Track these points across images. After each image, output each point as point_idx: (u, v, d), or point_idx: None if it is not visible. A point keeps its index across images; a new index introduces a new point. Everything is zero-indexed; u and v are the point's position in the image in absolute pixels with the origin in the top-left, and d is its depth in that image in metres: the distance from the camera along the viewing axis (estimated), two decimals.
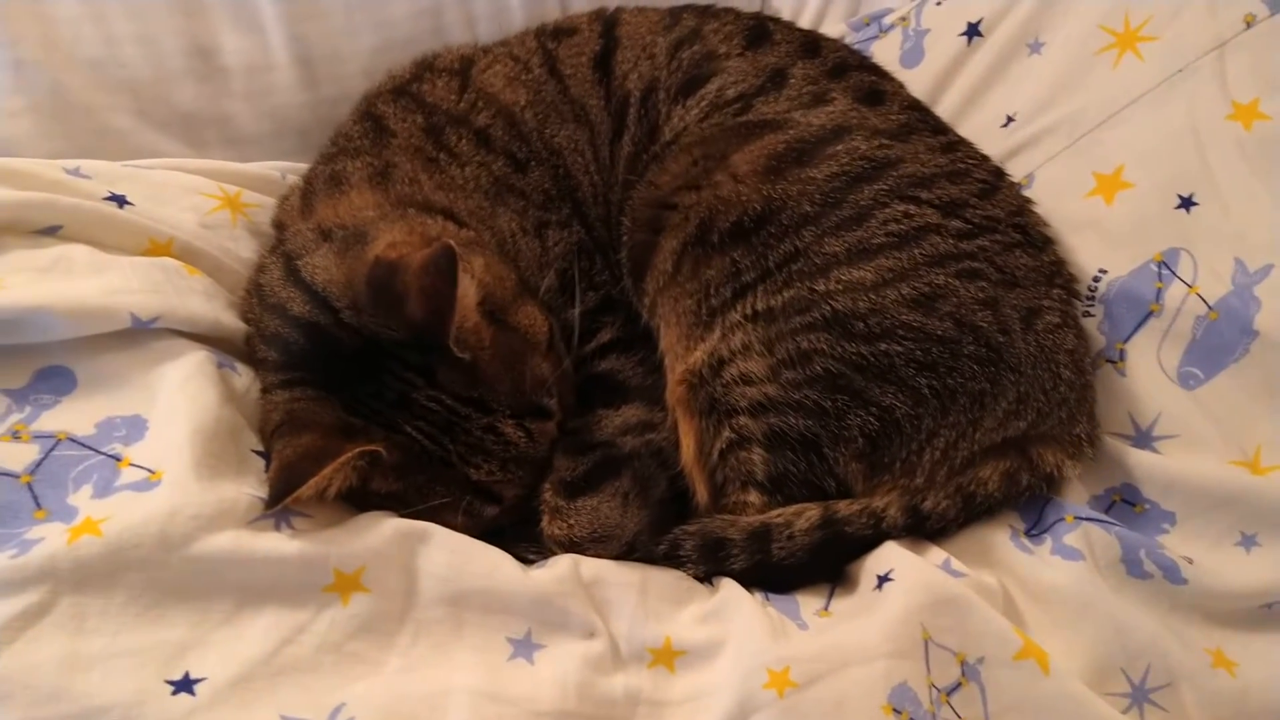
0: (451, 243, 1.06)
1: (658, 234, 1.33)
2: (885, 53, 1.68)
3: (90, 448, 1.03)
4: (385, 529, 1.05)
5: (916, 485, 1.21)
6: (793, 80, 1.40)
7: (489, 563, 1.08)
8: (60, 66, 1.49)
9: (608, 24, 1.51)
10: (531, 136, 1.42)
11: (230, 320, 1.22)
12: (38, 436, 1.02)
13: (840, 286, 1.20)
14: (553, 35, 1.52)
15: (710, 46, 1.44)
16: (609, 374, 1.27)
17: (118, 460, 1.03)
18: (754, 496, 1.22)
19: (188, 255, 1.26)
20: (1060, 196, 1.40)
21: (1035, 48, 1.54)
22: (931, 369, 1.19)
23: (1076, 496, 1.29)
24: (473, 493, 1.13)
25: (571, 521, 1.17)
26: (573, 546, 1.16)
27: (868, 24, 1.78)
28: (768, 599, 1.15)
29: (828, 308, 1.20)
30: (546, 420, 1.17)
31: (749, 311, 1.23)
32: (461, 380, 1.11)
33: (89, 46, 1.50)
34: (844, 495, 1.21)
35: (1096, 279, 1.35)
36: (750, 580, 1.17)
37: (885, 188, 1.26)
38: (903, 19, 1.71)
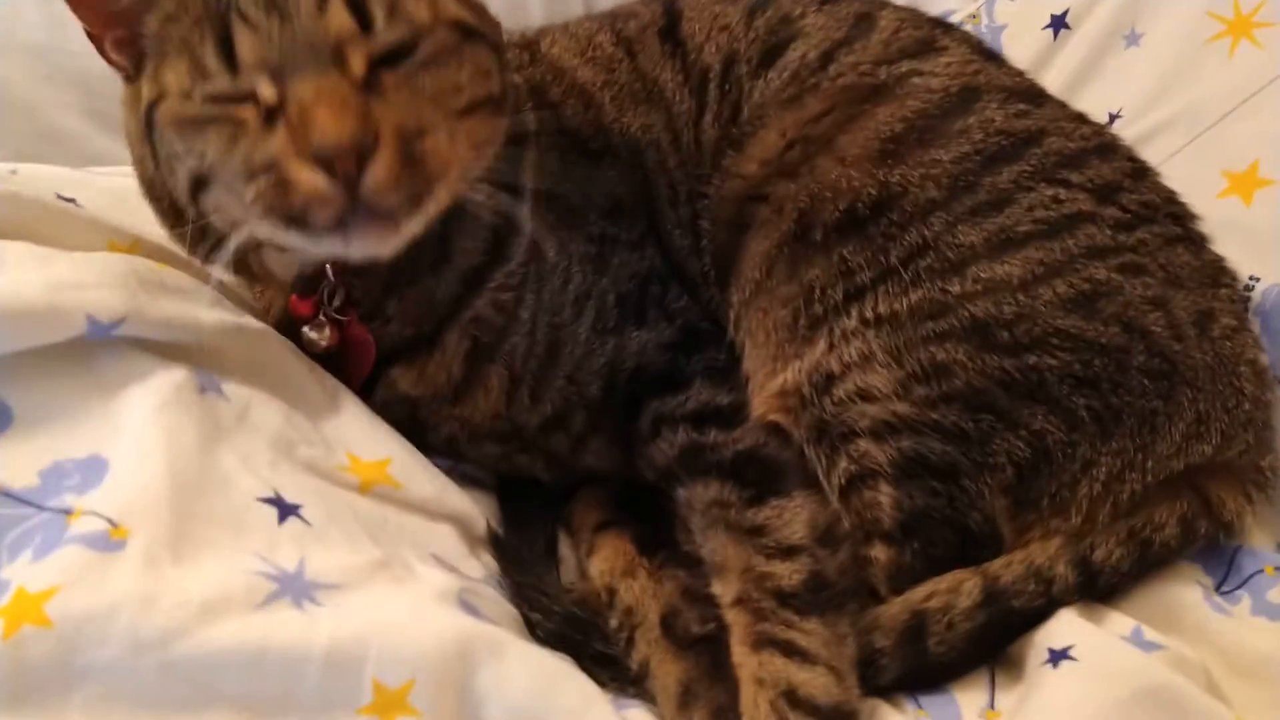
0: None
1: (743, 233, 1.12)
2: None
3: (31, 503, 0.76)
4: (442, 628, 0.79)
5: (1074, 527, 1.01)
6: (883, 23, 1.22)
7: (580, 696, 0.83)
8: None
9: (665, 1, 1.32)
10: (612, 127, 1.20)
11: (214, 319, 0.94)
12: None
13: (980, 287, 1.01)
14: (612, 17, 1.33)
15: (785, 9, 1.26)
16: (755, 453, 1.02)
17: (68, 514, 0.75)
18: (880, 551, 1.00)
19: (158, 258, 1.00)
20: (1189, 198, 1.23)
21: (1133, 39, 1.45)
22: (1092, 385, 1.00)
23: (1259, 541, 1.10)
24: (217, 24, 0.87)
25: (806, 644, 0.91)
26: None
27: None
28: (919, 704, 0.94)
29: (966, 314, 1.00)
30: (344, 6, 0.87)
31: (868, 316, 1.03)
32: None
33: (31, 31, 1.29)
34: (990, 535, 1.01)
35: (1248, 287, 1.19)
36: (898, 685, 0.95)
37: (1028, 169, 1.07)
38: (972, 16, 1.60)
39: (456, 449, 1.12)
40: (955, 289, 1.01)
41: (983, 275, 1.01)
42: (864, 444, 1.00)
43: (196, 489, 0.79)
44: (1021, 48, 1.49)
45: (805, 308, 1.05)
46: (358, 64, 0.88)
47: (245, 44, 0.86)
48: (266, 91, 0.87)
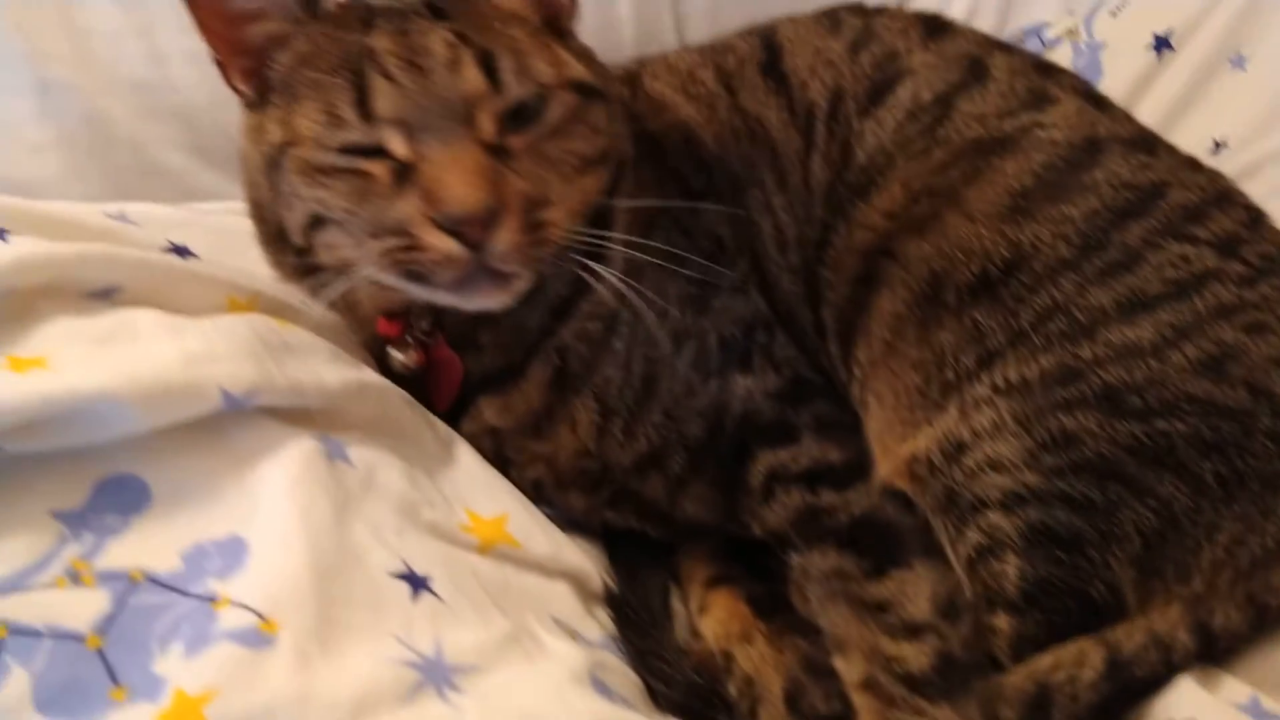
0: None
1: (869, 289, 1.09)
2: None
3: (176, 589, 0.75)
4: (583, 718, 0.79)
5: (1195, 592, 0.98)
6: (996, 71, 1.19)
7: None
8: (98, 90, 1.26)
9: (764, 34, 1.29)
10: (713, 164, 1.18)
11: (338, 380, 0.95)
12: (105, 577, 0.74)
13: (1111, 352, 0.99)
14: (710, 50, 1.30)
15: (889, 45, 1.23)
16: (872, 519, 1.01)
17: (213, 602, 0.75)
18: (1002, 620, 0.97)
19: (275, 313, 1.00)
20: None
21: (1238, 63, 1.39)
22: (1219, 450, 0.97)
23: None
24: (353, 75, 0.90)
25: None
26: None
27: (1021, 41, 1.57)
28: None
29: (1097, 380, 0.98)
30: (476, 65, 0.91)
31: (999, 383, 1.00)
32: None
33: (133, 65, 1.27)
34: (1113, 603, 0.99)
35: None
36: None
37: (1156, 224, 1.04)
38: (1070, 32, 1.53)
39: (543, 496, 1.11)
40: (1086, 353, 0.99)
41: (1114, 339, 0.99)
42: (994, 516, 0.98)
43: (335, 570, 0.80)
44: (1122, 68, 1.44)
45: (937, 372, 1.03)
46: (487, 125, 0.90)
47: (382, 98, 0.89)
48: (399, 149, 0.90)
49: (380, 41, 0.90)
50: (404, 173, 0.90)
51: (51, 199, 1.09)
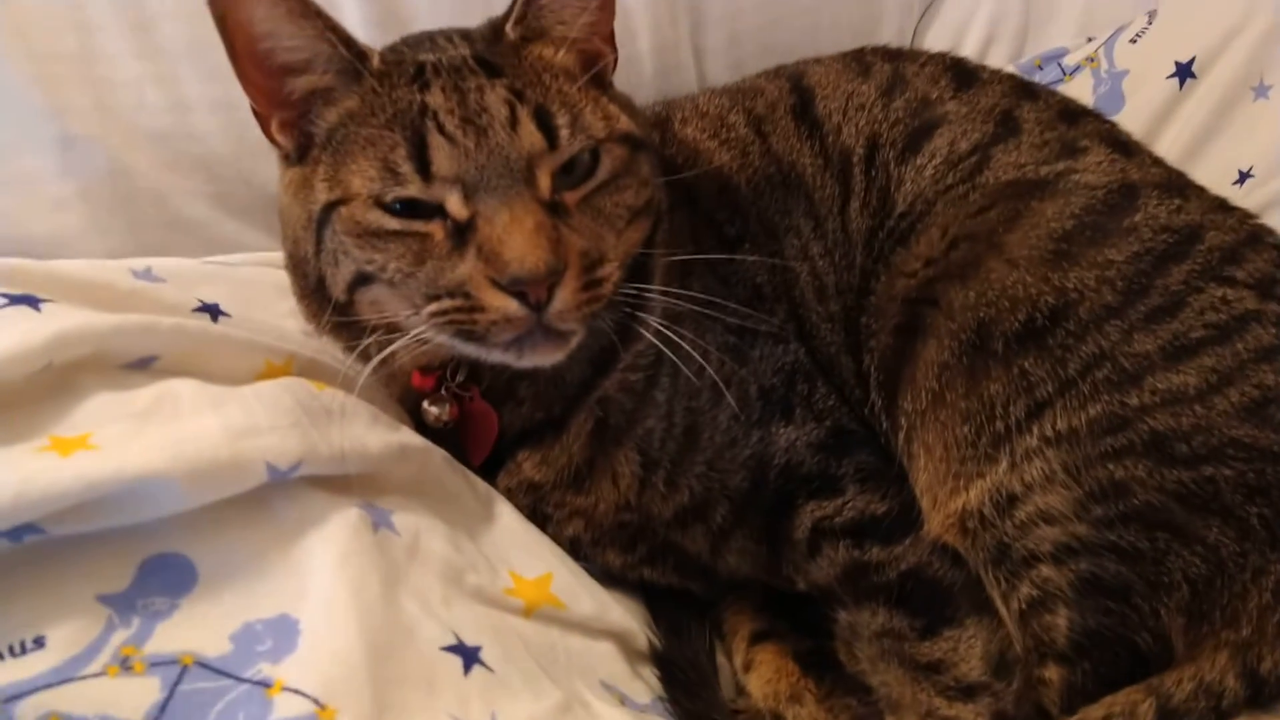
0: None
1: (913, 338, 1.07)
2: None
3: (228, 674, 0.74)
4: None
5: (1243, 638, 0.96)
6: (1026, 125, 1.17)
7: None
8: (119, 143, 1.22)
9: (792, 77, 1.27)
10: (747, 210, 1.16)
11: (380, 443, 0.93)
12: (156, 663, 0.73)
13: (1158, 399, 0.98)
14: (738, 93, 1.28)
15: (921, 91, 1.21)
16: (920, 574, 1.00)
17: (267, 687, 0.73)
18: (1052, 671, 0.96)
19: (310, 373, 0.98)
20: None
21: (1261, 91, 1.38)
22: (1264, 493, 0.96)
23: None
24: (410, 133, 0.89)
25: None
26: None
27: (1040, 67, 1.57)
28: None
29: (1145, 427, 0.97)
30: (533, 122, 0.90)
31: (1049, 433, 0.99)
32: (491, 45, 0.96)
33: (154, 116, 1.24)
34: (1160, 651, 0.97)
35: None
36: None
37: (1196, 267, 1.03)
38: (1090, 59, 1.52)
39: (580, 553, 1.09)
40: (1133, 401, 0.98)
41: (1160, 386, 0.98)
42: (1045, 569, 0.97)
43: (388, 648, 0.78)
44: (1144, 96, 1.43)
45: (988, 424, 1.01)
46: (544, 182, 0.90)
47: (441, 157, 0.88)
48: (457, 208, 0.88)
49: (437, 99, 0.89)
50: (461, 232, 0.88)
51: (74, 254, 1.09)
